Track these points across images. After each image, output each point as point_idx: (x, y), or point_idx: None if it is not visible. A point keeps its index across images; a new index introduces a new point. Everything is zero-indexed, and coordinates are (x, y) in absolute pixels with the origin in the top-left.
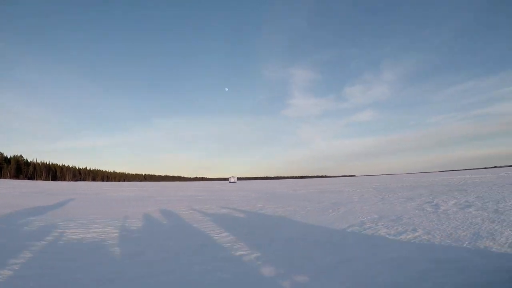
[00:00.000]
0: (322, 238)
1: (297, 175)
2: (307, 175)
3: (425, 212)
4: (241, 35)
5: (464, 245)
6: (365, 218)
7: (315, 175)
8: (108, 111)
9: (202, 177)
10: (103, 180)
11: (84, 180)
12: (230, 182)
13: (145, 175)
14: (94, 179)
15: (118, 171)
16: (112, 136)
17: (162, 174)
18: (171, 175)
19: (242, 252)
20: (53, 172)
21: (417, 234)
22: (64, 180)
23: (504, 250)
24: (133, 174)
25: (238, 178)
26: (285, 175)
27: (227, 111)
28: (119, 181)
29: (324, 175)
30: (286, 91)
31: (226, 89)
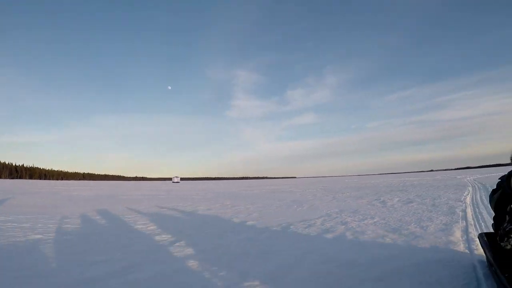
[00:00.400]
0: (305, 224)
1: (237, 176)
2: (248, 176)
3: (376, 207)
4: (186, 35)
5: (412, 225)
6: (329, 211)
7: (256, 176)
8: (45, 107)
9: (142, 177)
10: (40, 178)
11: (21, 177)
12: (173, 182)
13: (84, 173)
14: (31, 177)
15: (56, 169)
16: (49, 132)
17: (102, 173)
18: (111, 174)
19: (253, 235)
20: None
21: (375, 220)
22: (0, 177)
23: (439, 227)
24: (72, 173)
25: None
26: (225, 176)
27: (169, 110)
28: (57, 179)
29: (264, 176)
30: (230, 92)
31: (169, 87)
